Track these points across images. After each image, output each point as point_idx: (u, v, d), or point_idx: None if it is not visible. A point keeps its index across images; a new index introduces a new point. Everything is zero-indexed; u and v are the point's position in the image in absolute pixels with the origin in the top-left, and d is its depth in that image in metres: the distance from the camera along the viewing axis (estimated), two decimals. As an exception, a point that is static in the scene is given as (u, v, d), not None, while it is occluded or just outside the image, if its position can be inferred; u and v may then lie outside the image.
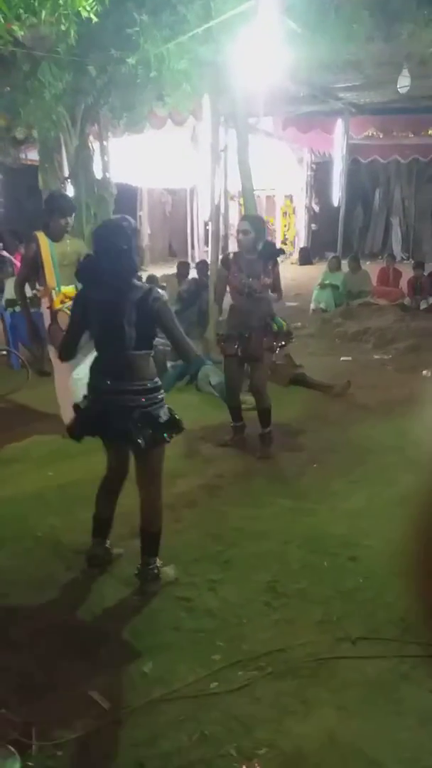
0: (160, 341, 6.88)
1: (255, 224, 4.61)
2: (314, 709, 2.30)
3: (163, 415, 2.90)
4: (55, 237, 4.74)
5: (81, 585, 3.08)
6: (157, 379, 2.98)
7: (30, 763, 2.07)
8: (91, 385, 2.96)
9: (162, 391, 2.98)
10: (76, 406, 3.04)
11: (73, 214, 4.96)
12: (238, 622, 2.80)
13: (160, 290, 2.89)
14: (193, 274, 9.68)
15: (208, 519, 3.70)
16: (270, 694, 2.37)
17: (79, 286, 4.92)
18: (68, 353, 3.09)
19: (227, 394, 4.94)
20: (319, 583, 3.08)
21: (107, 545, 3.22)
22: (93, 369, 2.96)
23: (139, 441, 2.81)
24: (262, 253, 4.56)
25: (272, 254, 4.70)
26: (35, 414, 5.51)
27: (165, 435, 2.90)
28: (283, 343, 4.77)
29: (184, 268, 9.75)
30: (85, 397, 3.01)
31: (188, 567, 3.21)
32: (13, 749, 2.09)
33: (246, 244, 4.54)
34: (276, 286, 4.68)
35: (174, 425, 2.94)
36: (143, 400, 2.85)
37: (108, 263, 2.84)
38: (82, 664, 2.55)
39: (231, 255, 4.78)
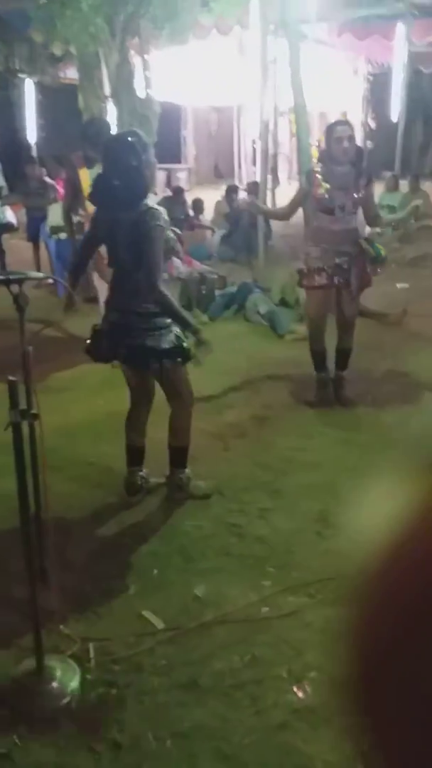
0: (207, 269, 6.78)
1: (352, 129, 4.13)
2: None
3: (166, 343, 2.86)
4: (90, 164, 4.63)
5: (134, 509, 3.15)
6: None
7: (88, 676, 2.17)
8: (108, 306, 2.98)
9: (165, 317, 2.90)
10: (93, 327, 2.99)
11: None
12: (288, 550, 2.83)
13: (157, 212, 2.77)
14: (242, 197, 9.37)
15: (258, 449, 3.70)
16: (320, 620, 2.40)
17: None
18: (76, 273, 3.12)
19: (313, 336, 4.34)
20: (371, 514, 3.05)
21: (143, 473, 3.24)
22: (110, 289, 2.99)
23: (150, 362, 2.87)
24: (355, 164, 4.04)
25: (364, 167, 4.17)
26: (83, 342, 5.53)
27: (169, 360, 2.88)
28: (380, 271, 4.37)
29: (233, 190, 9.45)
30: (104, 319, 3.01)
31: (238, 495, 3.23)
32: (73, 663, 2.19)
33: (350, 153, 3.97)
34: (369, 208, 4.13)
35: (178, 354, 2.89)
36: (155, 321, 2.84)
37: (117, 180, 2.73)
38: (136, 585, 2.63)
39: (317, 167, 4.22)
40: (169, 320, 2.88)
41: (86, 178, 4.64)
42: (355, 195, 4.04)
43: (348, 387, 4.38)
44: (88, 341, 2.98)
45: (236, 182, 14.57)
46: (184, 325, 2.93)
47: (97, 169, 4.66)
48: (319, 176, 4.08)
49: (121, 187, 2.72)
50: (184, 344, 2.92)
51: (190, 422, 3.13)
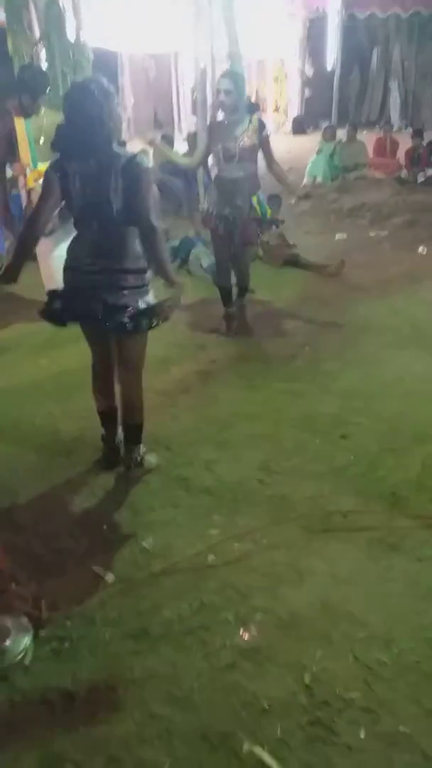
0: None
1: (237, 82, 4.23)
2: (307, 577, 2.43)
3: (148, 301, 2.76)
4: (28, 113, 4.43)
5: (81, 469, 3.14)
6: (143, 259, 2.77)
7: (41, 632, 2.21)
8: (70, 266, 2.75)
9: (150, 273, 2.81)
10: (52, 292, 2.83)
11: (46, 92, 4.58)
12: (234, 498, 2.90)
13: (144, 156, 2.66)
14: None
15: (203, 403, 3.74)
16: (265, 564, 2.50)
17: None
18: (34, 229, 2.77)
19: (217, 274, 4.79)
20: (311, 461, 3.16)
21: (120, 438, 3.14)
22: (71, 249, 2.76)
23: (125, 322, 2.68)
24: (246, 112, 4.26)
25: (254, 111, 4.39)
26: (22, 301, 5.37)
27: (146, 321, 2.73)
28: (276, 227, 4.57)
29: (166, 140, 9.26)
30: (65, 279, 2.81)
31: (185, 449, 3.27)
32: (25, 621, 2.22)
33: (229, 105, 4.20)
34: (270, 155, 4.36)
35: (158, 313, 2.76)
36: (132, 280, 2.69)
37: (81, 132, 2.57)
38: (85, 542, 2.66)
39: (213, 121, 4.49)
40: (146, 279, 2.74)
41: (22, 129, 4.44)
42: (247, 143, 4.22)
43: (286, 336, 4.68)
44: (45, 304, 2.83)
45: (176, 131, 14.22)
46: (166, 274, 2.77)
47: (35, 119, 4.47)
48: (218, 127, 4.34)
49: (86, 134, 2.57)
50: (165, 304, 2.77)
51: (142, 395, 3.02)
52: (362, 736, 1.87)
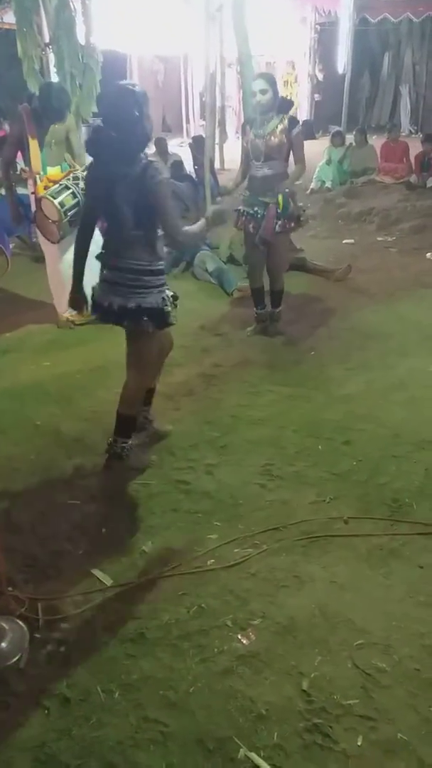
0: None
1: (271, 82, 4.28)
2: (306, 583, 2.41)
3: (154, 303, 2.82)
4: (41, 128, 4.47)
5: (81, 470, 3.14)
6: (161, 263, 2.90)
7: (37, 635, 2.20)
8: (100, 261, 2.90)
9: (163, 277, 2.90)
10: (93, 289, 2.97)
11: (70, 110, 4.64)
12: (234, 503, 2.88)
13: (157, 166, 2.71)
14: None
15: (206, 407, 3.73)
16: (264, 570, 2.48)
17: (66, 167, 4.68)
18: (84, 237, 2.89)
19: (249, 274, 4.74)
20: (313, 466, 3.14)
21: (147, 413, 3.33)
22: (103, 246, 2.91)
23: (125, 323, 2.83)
24: (280, 111, 4.28)
25: (288, 110, 4.41)
26: (28, 303, 5.42)
27: (145, 319, 2.82)
28: (293, 224, 4.51)
29: (161, 144, 9.34)
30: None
31: (186, 452, 3.26)
32: (21, 623, 2.21)
33: (266, 103, 4.21)
34: (298, 154, 4.34)
35: (157, 316, 2.85)
36: (139, 280, 2.79)
37: (117, 133, 2.64)
38: (84, 545, 2.65)
39: (247, 139, 4.43)
40: (160, 281, 2.87)
41: (35, 145, 4.48)
42: (275, 142, 4.25)
43: (291, 341, 4.66)
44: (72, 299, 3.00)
45: (184, 135, 14.25)
46: (202, 236, 3.05)
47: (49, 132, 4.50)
48: (248, 126, 4.40)
49: (120, 140, 2.65)
50: (167, 309, 2.87)
51: (142, 394, 3.12)
52: (360, 743, 1.85)
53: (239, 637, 2.19)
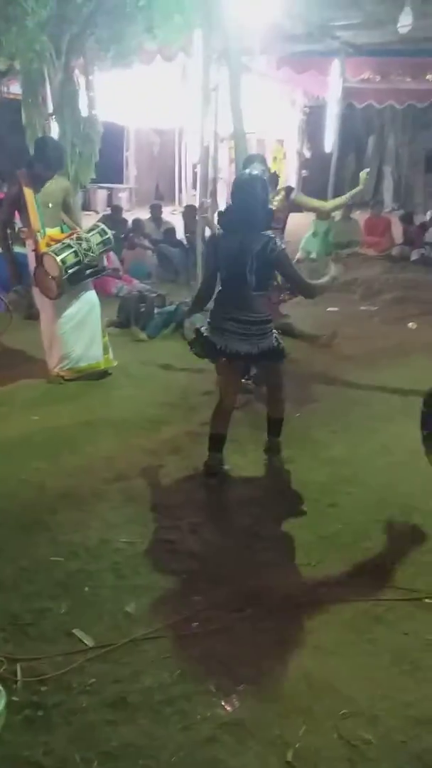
0: (146, 287, 6.99)
1: (264, 162, 4.56)
2: (291, 649, 2.38)
3: (274, 341, 3.48)
4: (42, 181, 4.64)
5: (65, 527, 3.11)
6: (269, 314, 3.49)
7: (15, 698, 2.13)
8: (217, 312, 3.42)
9: (271, 323, 3.48)
10: (197, 330, 3.50)
11: (63, 167, 4.84)
12: (219, 564, 2.86)
13: (277, 241, 3.24)
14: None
15: (192, 465, 3.73)
16: (248, 634, 2.44)
17: (66, 229, 4.82)
18: (205, 296, 3.55)
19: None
20: (299, 528, 3.14)
21: (221, 457, 3.62)
22: (217, 299, 3.46)
23: (262, 354, 3.46)
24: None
25: (276, 185, 4.75)
26: (21, 357, 5.46)
27: (279, 349, 3.53)
28: (286, 295, 4.68)
29: (156, 210, 9.76)
30: (209, 323, 3.45)
31: (172, 511, 3.25)
32: (-1, 684, 2.15)
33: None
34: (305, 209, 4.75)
35: (280, 350, 3.54)
36: (259, 328, 3.38)
37: (244, 214, 3.22)
38: (67, 604, 2.60)
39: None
40: (270, 326, 3.48)
41: (31, 195, 4.62)
42: (278, 214, 4.39)
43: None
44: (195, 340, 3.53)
45: (176, 204, 14.74)
46: (326, 289, 4.00)
47: (47, 188, 4.64)
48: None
49: (254, 217, 3.23)
50: (281, 344, 3.55)
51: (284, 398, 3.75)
52: None
53: (223, 703, 2.14)
